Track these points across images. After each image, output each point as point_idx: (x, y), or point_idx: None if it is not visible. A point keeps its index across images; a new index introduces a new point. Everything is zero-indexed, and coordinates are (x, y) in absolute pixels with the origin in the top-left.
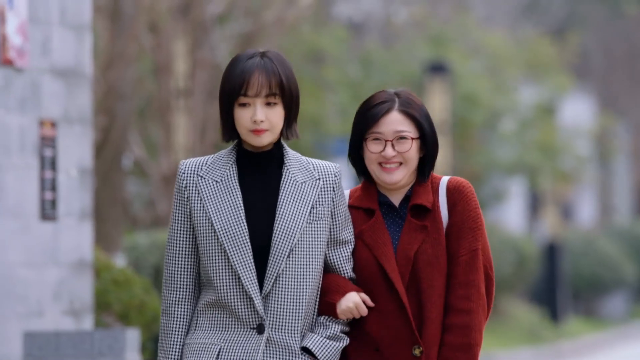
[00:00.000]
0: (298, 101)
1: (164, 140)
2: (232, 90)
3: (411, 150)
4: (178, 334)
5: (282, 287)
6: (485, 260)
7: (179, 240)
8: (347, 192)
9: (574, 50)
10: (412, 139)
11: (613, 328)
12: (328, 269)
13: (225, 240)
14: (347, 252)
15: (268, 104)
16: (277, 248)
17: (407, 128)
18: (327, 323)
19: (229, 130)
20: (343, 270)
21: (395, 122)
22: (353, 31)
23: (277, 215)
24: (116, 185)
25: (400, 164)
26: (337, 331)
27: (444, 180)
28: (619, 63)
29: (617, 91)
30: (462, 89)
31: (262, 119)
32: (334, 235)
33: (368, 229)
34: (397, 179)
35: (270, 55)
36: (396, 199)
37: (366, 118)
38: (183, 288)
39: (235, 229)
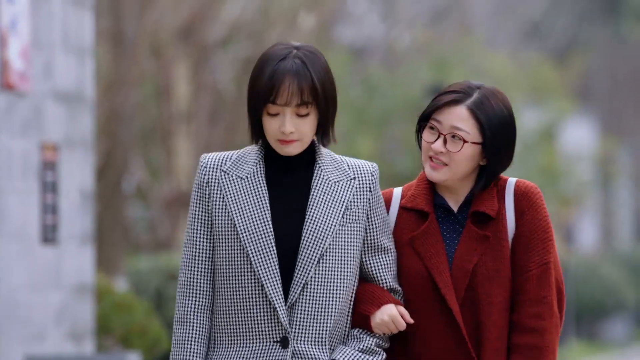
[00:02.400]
0: (335, 102)
1: (166, 164)
2: (260, 97)
3: (461, 154)
4: (199, 344)
5: (309, 297)
6: (557, 274)
7: (198, 241)
8: (399, 190)
9: (576, 74)
10: (466, 141)
11: (615, 351)
12: (364, 278)
13: (248, 242)
14: (387, 260)
15: (299, 113)
16: (306, 253)
17: (467, 128)
18: (361, 336)
19: (257, 133)
20: (381, 280)
21: (457, 117)
22: (355, 55)
23: (307, 216)
24: (118, 209)
25: (446, 164)
26: (371, 344)
27: (511, 183)
28: (622, 87)
29: (620, 115)
30: None
31: (291, 130)
32: (371, 240)
33: (420, 235)
34: (438, 178)
35: (303, 55)
36: (454, 202)
37: (434, 101)
38: (202, 295)
39: (259, 230)
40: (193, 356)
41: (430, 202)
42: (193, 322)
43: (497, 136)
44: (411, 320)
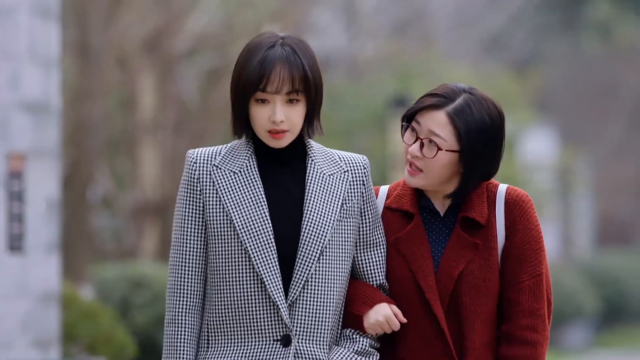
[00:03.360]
0: (322, 93)
1: (132, 174)
2: (248, 84)
3: (435, 160)
4: (189, 346)
5: (310, 294)
6: (547, 285)
7: (189, 239)
8: (385, 188)
9: (536, 86)
10: (440, 149)
11: (574, 358)
12: (354, 275)
13: (247, 238)
14: (379, 256)
15: (290, 101)
16: (306, 249)
17: (444, 135)
18: (355, 336)
19: (242, 126)
20: (373, 277)
21: (435, 122)
22: (319, 66)
23: (305, 211)
24: (84, 218)
25: (421, 170)
26: (366, 345)
27: (502, 190)
28: (581, 98)
29: (579, 126)
30: None
31: (282, 119)
32: (363, 236)
33: (405, 236)
34: (415, 184)
35: (292, 43)
36: (441, 206)
37: (417, 102)
38: (193, 295)
39: (257, 225)
40: (185, 358)
41: (415, 204)
42: (184, 323)
43: (476, 145)
44: (405, 320)
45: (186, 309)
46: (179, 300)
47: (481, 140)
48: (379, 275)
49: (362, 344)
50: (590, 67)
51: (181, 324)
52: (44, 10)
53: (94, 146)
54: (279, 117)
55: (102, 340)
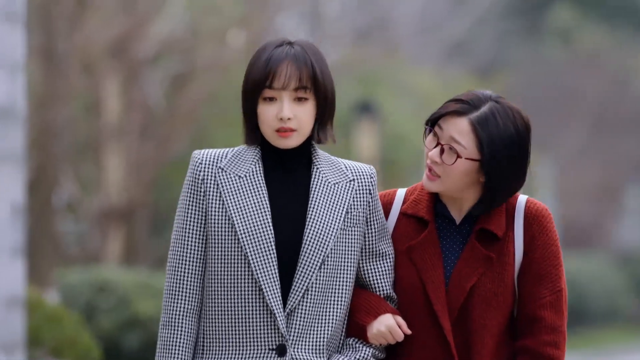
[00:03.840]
0: (334, 99)
1: (97, 179)
2: (255, 82)
3: (454, 168)
4: (184, 351)
5: (310, 303)
6: (565, 301)
7: (189, 240)
8: (402, 192)
9: (499, 91)
10: (460, 157)
11: None
12: (360, 285)
13: (248, 244)
14: (385, 266)
15: (298, 99)
16: (308, 258)
17: (465, 143)
18: (357, 345)
19: (253, 130)
20: (378, 286)
21: (457, 129)
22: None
23: (308, 219)
24: (49, 223)
25: (439, 176)
26: (368, 355)
27: (521, 203)
28: (543, 103)
29: (542, 130)
30: (390, 128)
31: (289, 116)
32: (369, 245)
33: (418, 245)
34: (432, 189)
35: (302, 44)
36: (457, 212)
37: (442, 107)
38: (191, 297)
39: (259, 232)
40: None
41: (431, 210)
42: (180, 327)
43: (498, 156)
44: (409, 332)
45: (183, 312)
46: (176, 303)
47: (505, 152)
48: (385, 286)
49: (365, 353)
50: (552, 72)
51: (177, 327)
52: (9, 15)
53: (59, 151)
54: (286, 113)
55: (67, 344)
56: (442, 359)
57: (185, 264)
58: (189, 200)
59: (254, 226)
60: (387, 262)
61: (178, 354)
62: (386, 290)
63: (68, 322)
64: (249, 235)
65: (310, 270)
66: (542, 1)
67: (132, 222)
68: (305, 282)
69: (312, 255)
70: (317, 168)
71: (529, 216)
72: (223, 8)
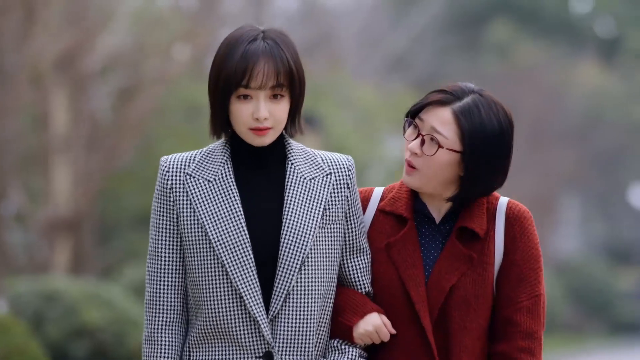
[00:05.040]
0: (304, 89)
1: (45, 190)
2: (229, 80)
3: (434, 159)
4: None
5: (292, 307)
6: (543, 307)
7: (164, 252)
8: (379, 190)
9: None
10: (441, 147)
11: None
12: (342, 282)
13: (223, 251)
14: (365, 261)
15: (274, 96)
16: (286, 260)
17: (446, 133)
18: (343, 347)
19: (221, 124)
20: (360, 284)
21: (439, 119)
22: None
23: (284, 219)
24: None
25: (418, 170)
26: (355, 356)
27: (502, 204)
28: None
29: None
30: (333, 140)
31: (265, 116)
32: (349, 241)
33: (397, 242)
34: (411, 184)
35: (274, 37)
36: (437, 211)
37: (423, 98)
38: (170, 310)
39: (234, 237)
40: None
41: (410, 208)
42: (161, 341)
43: (480, 149)
44: (394, 331)
45: (163, 325)
46: (156, 317)
47: (486, 145)
48: (365, 282)
49: (351, 355)
50: (489, 86)
51: (158, 341)
52: None
53: (7, 163)
54: (262, 113)
55: (15, 353)
56: (423, 357)
57: (162, 277)
58: (160, 211)
59: (228, 233)
60: (366, 258)
61: None
62: (367, 286)
63: (16, 331)
64: (224, 243)
65: (290, 274)
66: (480, 17)
67: (80, 232)
68: (286, 285)
69: (291, 257)
70: (292, 163)
71: (511, 217)
72: (168, 22)
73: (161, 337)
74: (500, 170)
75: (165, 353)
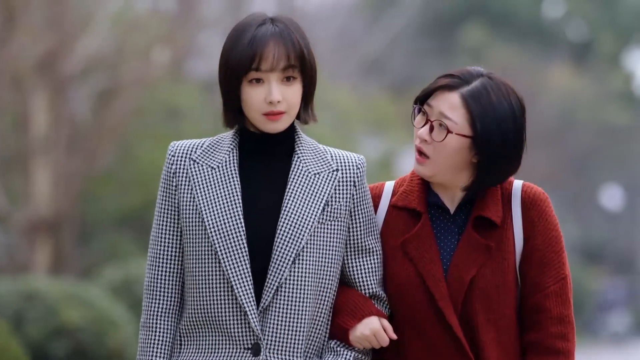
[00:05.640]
0: (316, 74)
1: (25, 191)
2: (239, 65)
3: (444, 145)
4: (162, 351)
5: (283, 300)
6: (570, 287)
7: (165, 237)
8: (390, 185)
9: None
10: (450, 132)
11: None
12: (345, 282)
13: (217, 239)
14: (372, 262)
15: (286, 79)
16: (280, 252)
17: (455, 118)
18: (338, 349)
19: (234, 113)
20: (364, 285)
21: (447, 103)
22: (206, 89)
23: (282, 211)
24: None
25: (428, 157)
26: (349, 358)
27: (517, 188)
28: None
29: None
30: None
31: (278, 99)
32: (354, 240)
33: (412, 238)
34: (423, 173)
35: (284, 21)
36: (450, 201)
37: (431, 84)
38: (169, 296)
39: (229, 226)
40: None
41: (423, 201)
42: (158, 327)
43: (491, 132)
44: (394, 336)
45: (160, 311)
46: (153, 302)
47: (497, 128)
48: (371, 284)
49: (345, 357)
50: None
51: (155, 327)
52: None
53: None
54: (275, 96)
55: None
56: (454, 355)
57: (162, 263)
58: (163, 196)
59: (223, 220)
60: (374, 259)
61: (155, 355)
62: (372, 288)
63: None
64: (218, 230)
65: (282, 266)
66: (454, 21)
67: (60, 233)
68: (277, 278)
69: (285, 249)
70: (299, 157)
71: (527, 201)
72: (147, 26)
73: (157, 323)
74: (514, 155)
75: (161, 340)
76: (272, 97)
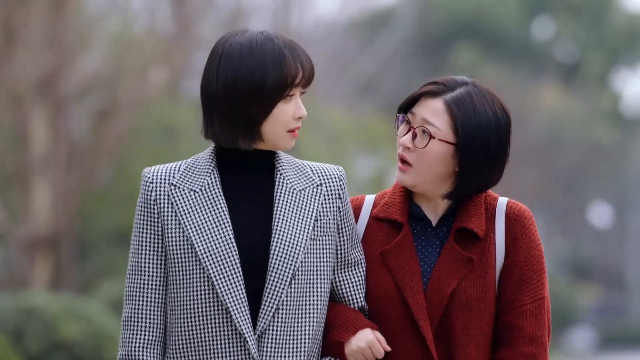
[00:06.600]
0: None
1: (24, 208)
2: (280, 80)
3: (427, 151)
4: None
5: (281, 323)
6: (547, 310)
7: (147, 267)
8: (371, 197)
9: None
10: (433, 137)
11: None
12: (334, 297)
13: (210, 264)
14: (358, 275)
15: (301, 94)
16: (276, 272)
17: (439, 124)
18: None
19: (249, 130)
20: (353, 299)
21: (430, 110)
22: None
23: (274, 230)
24: None
25: (411, 165)
26: None
27: (502, 203)
28: None
29: None
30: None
31: (305, 114)
32: (341, 254)
33: (393, 249)
34: (405, 182)
35: (284, 39)
36: (433, 213)
37: (414, 91)
38: (152, 328)
39: (221, 249)
40: None
41: (405, 212)
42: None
43: (474, 139)
44: (388, 348)
45: (143, 344)
46: (135, 334)
47: (481, 135)
48: (359, 297)
49: None
50: None
51: None
52: None
53: None
54: (304, 111)
55: None
56: None
57: (144, 292)
58: (143, 224)
59: (215, 245)
60: (359, 272)
61: None
62: (360, 302)
63: None
64: (211, 256)
65: (279, 288)
66: (446, 42)
67: (59, 249)
68: (275, 300)
69: (281, 270)
70: (281, 173)
71: (511, 216)
72: (145, 46)
73: (141, 356)
74: (497, 164)
75: None
76: (302, 112)
